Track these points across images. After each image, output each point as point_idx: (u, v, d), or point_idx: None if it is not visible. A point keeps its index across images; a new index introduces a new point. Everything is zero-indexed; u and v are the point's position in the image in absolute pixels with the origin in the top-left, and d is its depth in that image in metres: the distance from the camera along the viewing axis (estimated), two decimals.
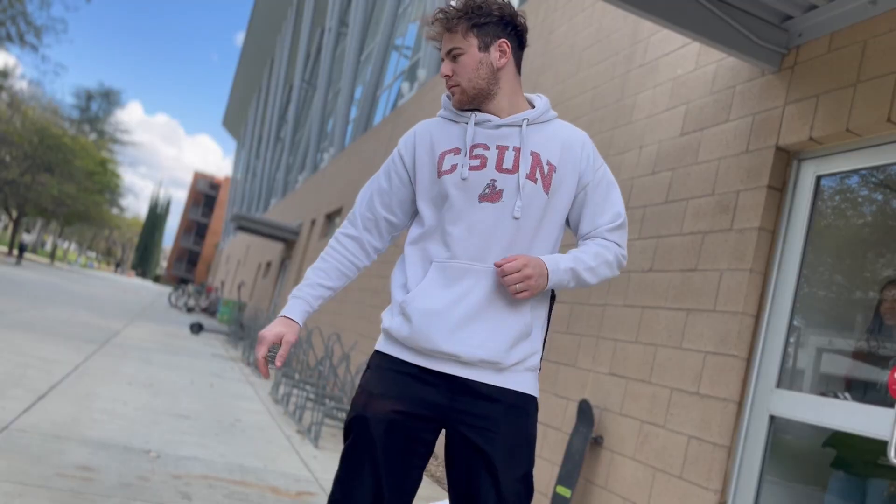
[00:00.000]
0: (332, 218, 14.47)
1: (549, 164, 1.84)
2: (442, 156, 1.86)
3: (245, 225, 18.78)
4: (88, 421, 4.64)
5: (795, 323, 3.22)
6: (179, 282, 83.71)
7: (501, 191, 1.79)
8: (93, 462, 3.72)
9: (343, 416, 6.64)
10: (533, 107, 1.94)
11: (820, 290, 3.22)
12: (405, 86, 11.76)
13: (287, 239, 18.48)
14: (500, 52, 1.86)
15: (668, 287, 3.77)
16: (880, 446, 2.66)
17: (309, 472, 4.59)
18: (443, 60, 1.87)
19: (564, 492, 3.90)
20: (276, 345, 1.81)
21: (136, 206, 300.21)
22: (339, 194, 13.67)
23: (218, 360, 10.63)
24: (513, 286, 1.72)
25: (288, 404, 7.10)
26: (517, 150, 1.83)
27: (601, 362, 4.15)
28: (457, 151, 1.84)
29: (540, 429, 4.57)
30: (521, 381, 1.82)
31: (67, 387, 5.66)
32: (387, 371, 1.82)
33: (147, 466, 3.88)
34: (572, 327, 4.54)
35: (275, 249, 21.01)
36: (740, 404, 3.26)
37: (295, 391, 8.41)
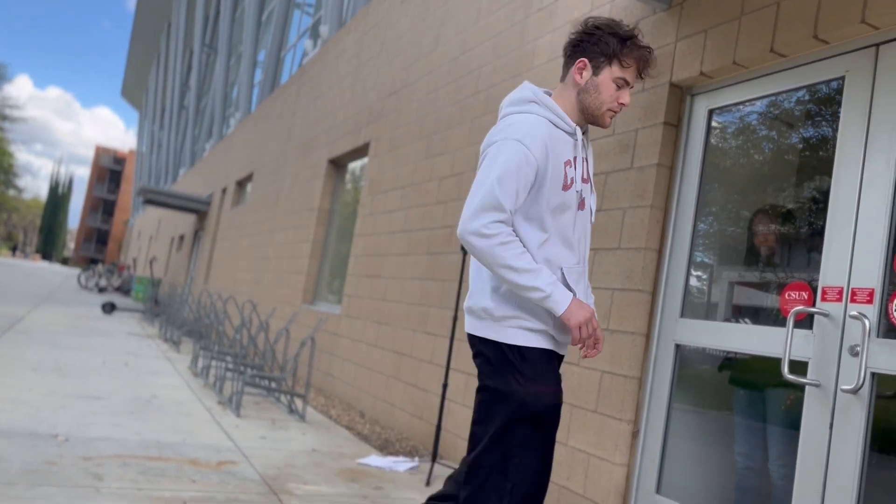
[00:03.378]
0: (244, 185, 14.07)
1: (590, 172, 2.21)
2: (564, 168, 2.03)
3: (153, 198, 18.06)
4: None
5: (696, 256, 3.33)
6: (89, 262, 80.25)
7: (584, 199, 2.11)
8: None
9: (265, 383, 6.54)
10: None
11: (716, 223, 3.33)
12: (308, 44, 11.43)
13: (199, 210, 17.90)
14: None
15: None
16: (769, 363, 2.80)
17: (231, 442, 4.51)
18: (625, 87, 2.10)
19: None
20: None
21: (34, 186, 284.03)
22: (249, 160, 13.28)
23: (134, 339, 10.28)
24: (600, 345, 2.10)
25: (208, 377, 6.94)
26: (585, 162, 2.13)
27: None
28: (568, 163, 2.05)
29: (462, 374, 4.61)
30: None
31: None
32: (551, 362, 2.07)
33: (54, 451, 3.72)
34: None
35: (187, 221, 20.34)
36: (648, 336, 3.37)
37: (214, 363, 8.23)
